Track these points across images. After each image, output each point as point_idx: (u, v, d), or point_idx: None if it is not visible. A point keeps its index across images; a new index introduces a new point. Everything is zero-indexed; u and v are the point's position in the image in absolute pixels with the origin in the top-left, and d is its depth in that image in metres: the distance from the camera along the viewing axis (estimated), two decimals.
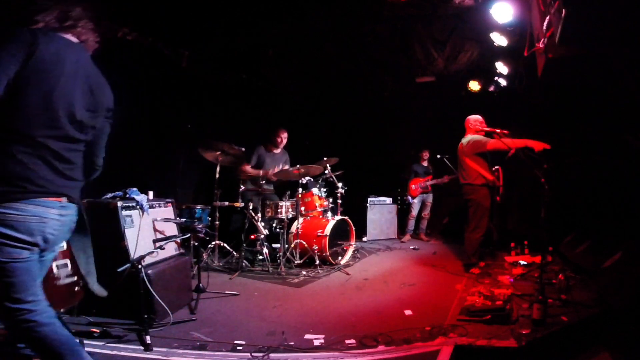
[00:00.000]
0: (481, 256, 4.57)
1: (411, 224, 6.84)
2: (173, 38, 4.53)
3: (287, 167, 5.35)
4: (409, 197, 6.81)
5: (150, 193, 3.27)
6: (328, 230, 4.67)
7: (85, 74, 1.67)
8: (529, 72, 4.83)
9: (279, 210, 4.84)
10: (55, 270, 2.30)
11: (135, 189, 3.12)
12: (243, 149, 4.74)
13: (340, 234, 4.99)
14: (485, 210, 4.34)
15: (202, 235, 3.33)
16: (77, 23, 1.60)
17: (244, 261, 4.56)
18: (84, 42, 1.66)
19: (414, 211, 6.82)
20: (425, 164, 6.92)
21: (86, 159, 1.83)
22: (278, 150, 5.41)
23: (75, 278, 2.39)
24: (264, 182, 5.09)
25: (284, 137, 5.34)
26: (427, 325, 2.80)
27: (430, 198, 6.87)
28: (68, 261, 2.37)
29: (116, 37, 4.01)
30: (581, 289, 3.40)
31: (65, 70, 1.55)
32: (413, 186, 6.79)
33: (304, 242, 4.71)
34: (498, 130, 4.17)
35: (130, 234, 2.87)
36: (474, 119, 4.55)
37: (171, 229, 3.34)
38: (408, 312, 3.17)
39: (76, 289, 2.39)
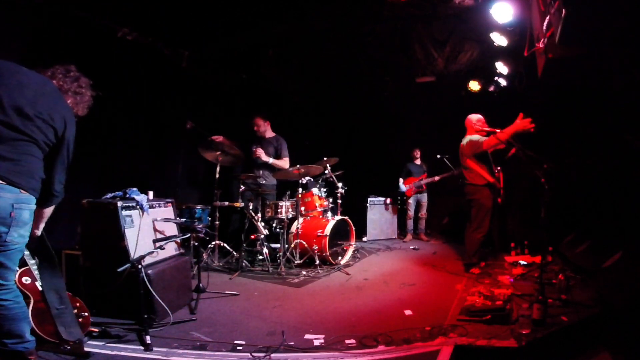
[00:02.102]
0: (482, 256, 4.57)
1: (410, 224, 6.86)
2: (173, 38, 4.52)
3: (284, 152, 5.33)
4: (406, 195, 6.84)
5: (150, 193, 3.27)
6: (328, 230, 4.67)
7: (39, 91, 1.94)
8: (529, 72, 4.83)
9: (279, 210, 4.84)
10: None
11: (135, 189, 3.12)
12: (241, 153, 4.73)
13: (340, 234, 4.99)
14: (488, 211, 4.33)
15: (202, 235, 3.34)
16: (55, 74, 2.09)
17: (244, 261, 4.56)
18: (59, 86, 2.08)
19: (410, 211, 6.84)
20: (418, 162, 6.93)
21: (43, 178, 1.99)
22: (265, 137, 5.36)
23: (76, 310, 2.41)
24: (262, 181, 5.10)
25: (259, 124, 5.27)
26: (427, 325, 2.80)
27: (424, 198, 6.85)
28: None
29: (116, 37, 4.01)
30: (581, 289, 3.40)
31: (15, 81, 1.88)
32: (407, 186, 6.79)
33: (304, 242, 4.71)
34: (498, 131, 4.16)
35: (130, 234, 2.87)
36: (476, 118, 4.53)
37: (171, 229, 3.34)
38: (408, 312, 3.17)
39: (80, 320, 2.40)
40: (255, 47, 5.18)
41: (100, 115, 3.96)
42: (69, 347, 2.24)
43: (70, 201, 3.61)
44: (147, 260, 2.83)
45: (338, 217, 4.98)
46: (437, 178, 6.64)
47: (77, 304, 2.45)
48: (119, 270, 2.57)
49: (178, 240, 3.37)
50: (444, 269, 4.65)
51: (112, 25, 3.95)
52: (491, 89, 6.07)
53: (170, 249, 3.29)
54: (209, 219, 4.69)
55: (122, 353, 2.37)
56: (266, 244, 4.66)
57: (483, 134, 4.44)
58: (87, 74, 2.28)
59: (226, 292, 3.61)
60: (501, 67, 5.15)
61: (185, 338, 2.62)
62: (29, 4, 3.24)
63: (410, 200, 6.81)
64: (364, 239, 6.67)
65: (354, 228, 5.24)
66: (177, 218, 3.50)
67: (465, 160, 4.46)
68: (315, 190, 5.16)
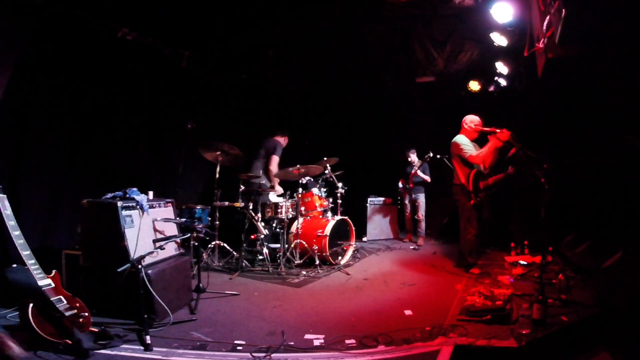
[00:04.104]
0: (478, 255, 4.59)
1: (409, 224, 6.86)
2: (173, 38, 4.52)
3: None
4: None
5: (150, 193, 3.28)
6: (328, 230, 4.67)
7: None
8: (529, 72, 4.83)
9: (279, 210, 4.84)
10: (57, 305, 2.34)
11: (135, 189, 3.13)
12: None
13: (340, 234, 4.99)
14: (470, 210, 4.34)
15: (202, 235, 3.34)
16: None
17: (244, 261, 4.56)
18: None
19: (407, 212, 6.84)
20: (414, 162, 6.91)
21: None
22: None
23: (76, 310, 2.41)
24: (262, 181, 5.11)
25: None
26: (427, 325, 2.80)
27: (420, 198, 6.66)
28: (62, 297, 2.39)
29: (116, 37, 4.01)
30: (581, 289, 3.40)
31: None
32: (400, 185, 6.81)
33: (304, 242, 4.71)
34: (498, 131, 4.16)
35: (130, 234, 2.87)
36: (470, 119, 4.53)
37: (171, 229, 3.34)
38: (408, 312, 3.17)
39: (80, 320, 2.40)
40: (255, 47, 5.18)
41: (100, 115, 3.99)
42: (68, 346, 2.24)
43: (70, 201, 3.64)
44: (147, 260, 2.83)
45: (338, 217, 4.98)
46: (415, 169, 6.59)
47: (77, 304, 2.45)
48: (119, 270, 2.57)
49: (178, 240, 3.37)
50: (444, 269, 4.65)
51: (112, 25, 3.94)
52: (491, 89, 6.06)
53: (170, 249, 3.29)
54: (209, 219, 4.69)
55: (122, 353, 2.37)
56: (266, 244, 4.66)
57: (476, 135, 4.45)
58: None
59: (226, 292, 3.61)
60: (501, 67, 5.15)
61: (185, 338, 2.62)
62: (29, 4, 3.24)
63: (407, 201, 6.81)
64: (364, 239, 6.67)
65: (354, 228, 5.24)
66: (177, 218, 3.50)
67: (452, 160, 4.50)
68: (315, 190, 5.16)
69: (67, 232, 3.58)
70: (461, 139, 4.43)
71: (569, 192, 4.73)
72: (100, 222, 2.93)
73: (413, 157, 6.85)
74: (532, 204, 4.71)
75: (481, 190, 4.39)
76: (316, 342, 2.58)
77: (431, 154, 6.30)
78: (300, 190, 4.84)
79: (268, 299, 3.53)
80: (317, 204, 5.09)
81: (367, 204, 6.79)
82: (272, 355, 2.38)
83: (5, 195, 2.39)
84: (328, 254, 4.64)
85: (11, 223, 2.36)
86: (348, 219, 5.16)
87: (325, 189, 5.35)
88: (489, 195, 4.47)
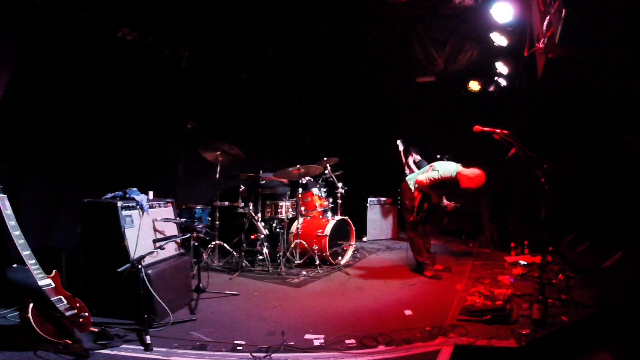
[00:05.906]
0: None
1: None
2: (173, 38, 4.52)
3: None
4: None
5: (150, 193, 3.27)
6: (328, 230, 4.67)
7: None
8: (529, 72, 4.83)
9: (279, 210, 4.84)
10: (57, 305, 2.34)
11: (135, 189, 3.13)
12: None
13: (340, 234, 4.99)
14: (411, 211, 4.41)
15: (202, 235, 3.34)
16: None
17: (244, 261, 4.56)
18: None
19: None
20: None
21: None
22: None
23: (76, 310, 2.41)
24: (262, 181, 5.11)
25: None
26: (427, 325, 2.80)
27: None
28: (62, 297, 2.39)
29: (116, 37, 4.01)
30: (581, 289, 3.41)
31: None
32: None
33: (304, 242, 4.71)
34: (498, 131, 4.16)
35: (130, 234, 2.87)
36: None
37: (171, 229, 3.34)
38: (408, 312, 3.17)
39: (80, 320, 2.40)
40: (255, 47, 5.18)
41: (100, 115, 3.99)
42: (68, 346, 2.24)
43: (70, 201, 3.64)
44: (147, 260, 2.83)
45: (338, 217, 4.98)
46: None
47: (77, 304, 2.45)
48: (119, 270, 2.56)
49: (178, 240, 3.37)
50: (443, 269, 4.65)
51: (112, 25, 3.94)
52: (491, 89, 6.07)
53: (170, 249, 3.29)
54: (209, 219, 4.69)
55: (122, 353, 2.37)
56: (266, 244, 4.66)
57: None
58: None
59: (226, 292, 3.61)
60: (501, 67, 5.14)
61: (185, 338, 2.62)
62: (29, 4, 3.24)
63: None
64: (364, 239, 6.66)
65: (354, 228, 5.24)
66: (177, 218, 3.50)
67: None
68: (315, 190, 5.16)
69: (67, 232, 3.58)
70: (420, 175, 4.47)
71: (569, 192, 4.74)
72: (100, 222, 2.94)
73: (415, 157, 6.83)
74: (532, 204, 4.71)
75: (423, 211, 4.45)
76: (316, 342, 2.58)
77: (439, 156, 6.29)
78: (300, 190, 4.84)
79: (268, 299, 3.53)
80: (317, 204, 5.09)
81: (367, 204, 6.78)
82: (272, 355, 2.38)
83: (5, 195, 2.39)
84: (328, 254, 4.64)
85: (11, 223, 2.37)
86: (348, 219, 5.15)
87: (325, 189, 5.35)
88: (422, 218, 4.49)
